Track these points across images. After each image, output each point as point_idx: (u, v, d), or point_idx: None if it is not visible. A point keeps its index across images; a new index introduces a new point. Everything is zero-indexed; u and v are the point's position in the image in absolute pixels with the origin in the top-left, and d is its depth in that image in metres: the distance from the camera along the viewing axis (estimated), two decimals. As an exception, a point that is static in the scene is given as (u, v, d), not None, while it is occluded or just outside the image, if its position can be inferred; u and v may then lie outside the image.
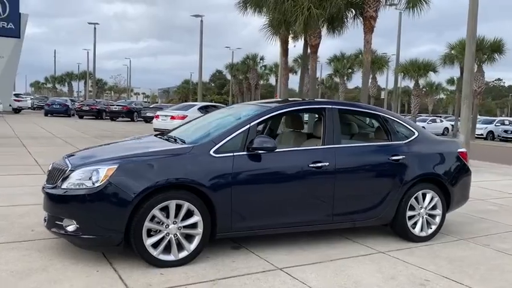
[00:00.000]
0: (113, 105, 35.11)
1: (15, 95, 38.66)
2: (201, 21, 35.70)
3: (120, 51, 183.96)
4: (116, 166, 3.81)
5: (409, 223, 4.99)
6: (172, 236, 3.92)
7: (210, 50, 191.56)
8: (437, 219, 5.15)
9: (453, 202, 5.26)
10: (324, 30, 18.00)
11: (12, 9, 34.67)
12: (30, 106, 45.29)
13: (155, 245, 3.87)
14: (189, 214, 3.97)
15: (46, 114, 35.44)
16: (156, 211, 3.82)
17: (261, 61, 52.14)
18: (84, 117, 34.60)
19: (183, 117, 16.77)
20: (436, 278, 4.03)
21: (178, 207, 3.92)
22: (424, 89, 49.73)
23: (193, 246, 3.99)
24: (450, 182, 5.16)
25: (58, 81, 79.66)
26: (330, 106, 4.84)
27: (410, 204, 4.98)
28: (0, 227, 4.83)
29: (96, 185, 3.74)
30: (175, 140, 4.55)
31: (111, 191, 3.73)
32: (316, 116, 5.24)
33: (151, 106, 36.34)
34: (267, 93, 64.78)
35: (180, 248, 3.96)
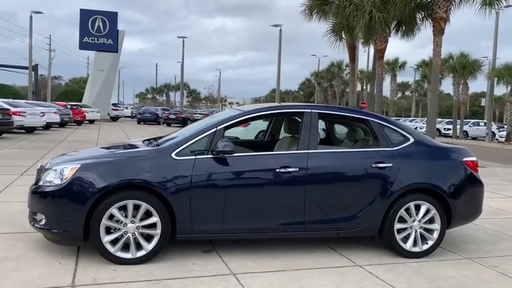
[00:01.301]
0: (174, 113, 38.61)
1: (113, 104, 42.38)
2: (280, 30, 36.14)
3: (219, 63, 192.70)
4: (78, 166, 4.08)
5: (399, 236, 4.60)
6: (130, 235, 4.07)
7: (303, 59, 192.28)
8: (435, 235, 4.68)
9: (456, 217, 4.74)
10: (394, 34, 17.25)
11: (111, 27, 38.14)
12: (130, 115, 49.27)
13: (114, 243, 4.05)
14: (148, 214, 4.10)
15: (139, 122, 38.26)
16: (113, 210, 4.01)
17: (346, 68, 51.09)
18: (172, 124, 36.74)
19: (246, 125, 17.06)
20: (398, 296, 3.69)
21: (137, 207, 4.06)
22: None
23: (151, 246, 4.10)
24: (451, 193, 4.67)
25: (157, 92, 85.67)
26: (309, 110, 4.67)
27: (400, 216, 4.60)
28: (13, 219, 5.37)
29: (61, 182, 4.04)
30: (153, 143, 4.71)
31: (72, 188, 3.99)
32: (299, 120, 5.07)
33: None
34: (357, 101, 63.21)
35: (139, 246, 4.10)
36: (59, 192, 4.02)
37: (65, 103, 31.77)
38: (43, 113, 20.91)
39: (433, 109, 15.56)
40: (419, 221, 4.64)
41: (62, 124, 25.93)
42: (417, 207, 4.64)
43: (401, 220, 4.62)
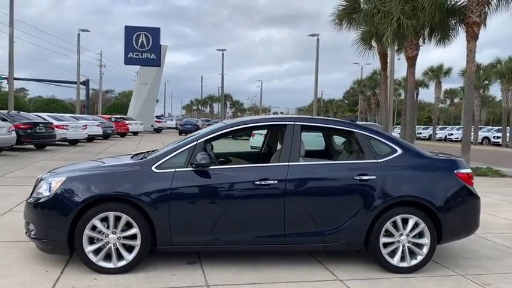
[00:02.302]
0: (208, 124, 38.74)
1: (156, 116, 43.73)
2: (317, 40, 35.98)
3: (265, 73, 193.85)
4: (63, 179, 4.31)
5: (385, 251, 4.48)
6: (112, 245, 4.23)
7: (349, 67, 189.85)
8: (425, 250, 4.52)
9: (447, 232, 4.56)
10: (428, 41, 16.76)
11: (154, 42, 39.55)
12: (174, 126, 50.63)
13: (97, 252, 4.23)
14: (129, 226, 4.25)
15: (180, 134, 39.18)
16: (95, 221, 4.19)
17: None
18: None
19: (253, 135, 17.28)
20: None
21: (118, 219, 4.23)
22: None
23: (131, 256, 4.25)
24: (441, 207, 4.50)
25: (202, 104, 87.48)
26: (292, 123, 4.67)
27: (386, 230, 4.49)
28: (22, 228, 5.71)
29: (48, 194, 4.28)
30: (142, 156, 4.88)
31: (57, 200, 4.22)
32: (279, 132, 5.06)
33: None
34: (399, 109, 61.59)
35: (121, 257, 4.25)
36: (47, 203, 4.26)
37: (109, 116, 33.19)
38: (85, 126, 21.96)
39: (468, 117, 14.92)
40: (407, 235, 4.50)
41: (106, 136, 27.12)
42: (405, 221, 4.51)
43: (388, 234, 4.51)
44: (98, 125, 24.60)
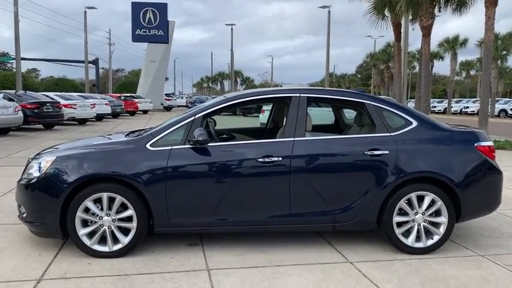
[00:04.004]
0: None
1: (166, 94, 43.42)
2: (329, 12, 35.00)
3: (277, 49, 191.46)
4: (53, 158, 4.05)
5: (399, 230, 4.17)
6: (107, 228, 3.99)
7: (362, 41, 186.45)
8: (441, 229, 4.20)
9: (466, 209, 4.22)
10: (444, 9, 16.05)
11: (162, 18, 38.93)
12: (185, 104, 50.36)
13: (91, 236, 4.00)
14: (124, 207, 4.00)
15: (190, 111, 38.94)
16: (88, 202, 3.94)
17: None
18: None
19: (263, 111, 16.89)
20: (379, 299, 3.32)
21: (112, 200, 3.97)
22: None
23: (127, 239, 4.00)
24: (460, 183, 4.15)
25: (212, 81, 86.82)
26: (297, 95, 4.32)
27: (400, 208, 4.17)
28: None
29: (38, 175, 4.02)
30: (137, 134, 4.59)
31: (48, 181, 3.96)
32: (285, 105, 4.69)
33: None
34: (415, 83, 60.30)
35: (116, 240, 4.01)
36: (36, 184, 4.01)
37: (118, 94, 32.98)
38: (93, 104, 21.77)
39: (485, 88, 14.33)
40: (423, 213, 4.18)
41: (115, 115, 26.98)
42: (420, 199, 4.18)
43: (402, 213, 4.19)
44: (106, 104, 24.40)
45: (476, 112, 41.04)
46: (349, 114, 5.88)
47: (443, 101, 52.44)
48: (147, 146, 4.05)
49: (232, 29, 49.29)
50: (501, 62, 37.17)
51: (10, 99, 15.93)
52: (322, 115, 7.01)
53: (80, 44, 40.21)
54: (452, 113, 45.18)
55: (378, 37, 54.58)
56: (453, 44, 42.74)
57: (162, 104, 40.95)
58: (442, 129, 4.38)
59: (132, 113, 31.29)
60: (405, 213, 4.19)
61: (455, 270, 3.85)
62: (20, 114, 15.33)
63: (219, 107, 4.29)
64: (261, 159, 4.03)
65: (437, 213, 4.20)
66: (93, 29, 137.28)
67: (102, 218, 3.97)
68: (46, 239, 4.33)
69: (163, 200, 3.98)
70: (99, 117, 23.67)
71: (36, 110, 16.78)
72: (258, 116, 20.35)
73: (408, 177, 4.13)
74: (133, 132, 4.92)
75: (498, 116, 38.29)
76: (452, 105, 47.04)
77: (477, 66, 59.06)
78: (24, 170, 4.34)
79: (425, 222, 4.19)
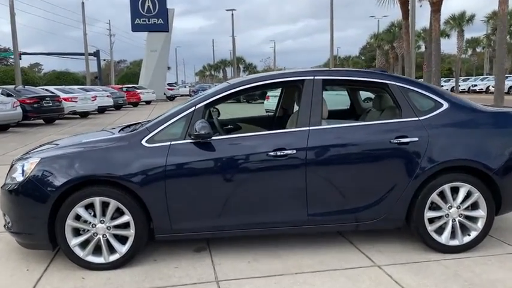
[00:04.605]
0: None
1: (168, 84, 42.86)
2: (332, -8, 34.03)
3: (278, 34, 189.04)
4: (37, 160, 3.57)
5: (431, 227, 3.69)
6: (101, 237, 3.53)
7: (365, 22, 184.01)
8: (480, 224, 3.70)
9: (508, 200, 3.72)
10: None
11: (161, 6, 38.20)
12: (188, 93, 49.78)
13: (84, 246, 3.54)
14: (120, 213, 3.53)
15: (194, 100, 38.41)
16: (79, 209, 3.47)
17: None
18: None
19: (268, 97, 16.24)
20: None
21: (106, 205, 3.50)
22: None
23: (125, 248, 3.54)
24: (500, 171, 3.64)
25: (214, 69, 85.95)
26: (311, 77, 3.79)
27: (432, 202, 3.67)
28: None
29: (22, 179, 3.56)
30: (133, 128, 4.10)
31: (32, 186, 3.49)
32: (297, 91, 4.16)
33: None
34: (420, 63, 59.22)
35: (113, 249, 3.56)
36: (20, 190, 3.54)
37: (120, 86, 32.48)
38: (94, 97, 21.30)
39: (501, 64, 13.68)
40: (458, 207, 3.68)
41: (117, 107, 26.50)
42: (455, 190, 3.68)
43: (435, 207, 3.70)
44: (108, 96, 23.91)
45: (484, 90, 40.17)
46: (363, 96, 5.38)
47: (450, 79, 51.46)
48: (143, 142, 3.56)
49: (232, 14, 48.49)
50: (510, 37, 36.12)
51: (8, 95, 15.49)
52: (331, 99, 6.46)
53: (82, 37, 39.47)
54: (460, 92, 44.29)
55: (382, 17, 53.54)
56: (459, 20, 41.69)
57: (164, 93, 40.42)
58: (477, 110, 3.86)
59: (135, 104, 30.81)
60: (438, 208, 3.70)
61: (500, 273, 3.36)
62: (19, 109, 14.90)
63: (222, 95, 3.78)
64: (272, 153, 3.54)
65: (474, 206, 3.71)
66: (93, 20, 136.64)
67: (96, 225, 3.51)
68: (36, 251, 3.88)
69: (164, 203, 3.50)
70: (101, 110, 23.22)
71: (35, 105, 16.34)
72: (263, 103, 19.72)
73: (441, 166, 3.62)
74: (128, 126, 4.43)
75: (508, 93, 37.41)
76: (459, 83, 46.12)
77: (483, 43, 57.95)
78: (8, 173, 3.87)
79: (460, 216, 3.70)
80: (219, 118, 4.95)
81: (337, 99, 6.14)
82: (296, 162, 3.55)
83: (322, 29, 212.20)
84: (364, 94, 5.88)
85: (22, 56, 37.02)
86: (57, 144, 3.97)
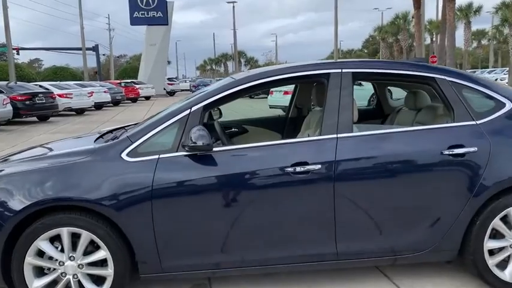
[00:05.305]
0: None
1: (168, 79, 41.97)
2: (336, -17, 33.06)
3: (279, 28, 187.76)
4: None
5: (492, 261, 2.89)
6: (71, 278, 2.74)
7: (367, 15, 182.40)
8: (555, 256, 2.91)
9: None
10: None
11: (160, -1, 37.21)
12: (189, 88, 48.91)
13: (50, 289, 2.76)
14: (96, 246, 2.75)
15: (194, 95, 37.58)
16: (41, 242, 2.69)
17: (413, 19, 46.48)
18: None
19: (288, 93, 15.34)
20: None
21: (77, 237, 2.72)
22: None
23: (102, 291, 2.76)
24: None
25: (215, 63, 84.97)
26: (337, 70, 2.98)
27: (494, 229, 2.88)
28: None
29: None
30: (114, 136, 3.28)
31: (-20, 214, 2.70)
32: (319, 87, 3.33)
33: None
34: (425, 56, 58.13)
35: (87, 293, 2.77)
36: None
37: (118, 81, 31.67)
38: (91, 93, 20.49)
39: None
40: (527, 235, 2.88)
41: (115, 103, 25.71)
42: (523, 214, 2.88)
43: (497, 235, 2.90)
44: (105, 92, 23.08)
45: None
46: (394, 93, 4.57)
47: (456, 73, 50.49)
48: (123, 155, 2.76)
49: (233, 6, 47.48)
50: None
51: (-1, 91, 14.71)
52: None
53: (76, 33, 38.63)
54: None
55: (385, 9, 52.56)
56: (466, 12, 40.70)
57: (164, 89, 39.54)
58: None
59: (134, 100, 29.99)
60: (501, 236, 2.90)
61: None
62: (9, 107, 14.10)
63: (225, 94, 2.94)
64: (290, 169, 2.73)
65: (547, 233, 2.90)
66: (93, 15, 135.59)
67: (64, 263, 2.73)
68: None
69: (150, 233, 2.71)
70: (99, 106, 22.40)
71: (27, 102, 15.55)
72: (266, 97, 18.76)
73: (506, 184, 2.82)
74: (111, 131, 3.63)
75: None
76: (466, 76, 45.13)
77: (489, 35, 56.91)
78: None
79: (529, 247, 2.90)
80: (220, 120, 4.16)
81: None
82: (321, 180, 2.75)
83: (323, 23, 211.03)
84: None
85: (21, 52, 36.25)
86: (14, 158, 3.16)
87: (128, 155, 2.76)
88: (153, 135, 2.82)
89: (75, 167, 2.75)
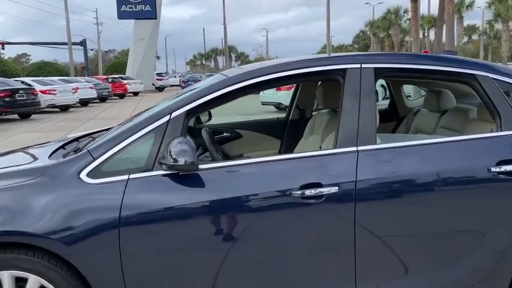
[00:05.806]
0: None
1: (157, 74, 41.16)
2: (327, -23, 32.47)
3: (270, 23, 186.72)
4: None
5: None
6: (15, 334, 2.12)
7: (358, 11, 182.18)
8: None
9: None
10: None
11: (148, -8, 36.33)
12: (179, 83, 48.06)
13: None
14: (46, 292, 2.12)
15: (183, 91, 36.86)
16: (-25, 290, 2.06)
17: (405, 14, 46.10)
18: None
19: (290, 88, 14.69)
20: None
21: (23, 282, 2.09)
22: None
23: None
24: None
25: (205, 58, 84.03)
26: (356, 65, 2.36)
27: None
28: None
29: None
30: (76, 147, 2.64)
31: None
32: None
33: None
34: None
35: None
36: None
37: (105, 76, 30.83)
38: (76, 89, 19.70)
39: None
40: None
41: (102, 99, 24.91)
42: None
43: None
44: (91, 88, 22.28)
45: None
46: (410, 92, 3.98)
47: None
48: (82, 175, 2.13)
49: (224, 1, 46.65)
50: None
51: (-25, 88, 13.94)
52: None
53: (71, 26, 37.67)
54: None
55: (377, 4, 51.98)
56: (459, 6, 40.34)
57: (153, 84, 38.70)
58: None
59: (122, 96, 29.16)
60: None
61: None
62: (-15, 104, 13.36)
63: (214, 96, 2.29)
64: (298, 192, 2.12)
65: None
66: (82, 9, 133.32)
67: (5, 316, 2.10)
68: None
69: (118, 275, 2.09)
70: (84, 103, 21.61)
71: (7, 99, 14.78)
72: (258, 93, 17.91)
73: None
74: (76, 140, 2.98)
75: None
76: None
77: (479, 30, 56.89)
78: None
79: None
80: (210, 124, 3.55)
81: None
82: (339, 206, 2.15)
83: (315, 18, 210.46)
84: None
85: (8, 47, 35.18)
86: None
87: (88, 175, 2.13)
88: (122, 148, 2.19)
89: (19, 192, 2.11)
